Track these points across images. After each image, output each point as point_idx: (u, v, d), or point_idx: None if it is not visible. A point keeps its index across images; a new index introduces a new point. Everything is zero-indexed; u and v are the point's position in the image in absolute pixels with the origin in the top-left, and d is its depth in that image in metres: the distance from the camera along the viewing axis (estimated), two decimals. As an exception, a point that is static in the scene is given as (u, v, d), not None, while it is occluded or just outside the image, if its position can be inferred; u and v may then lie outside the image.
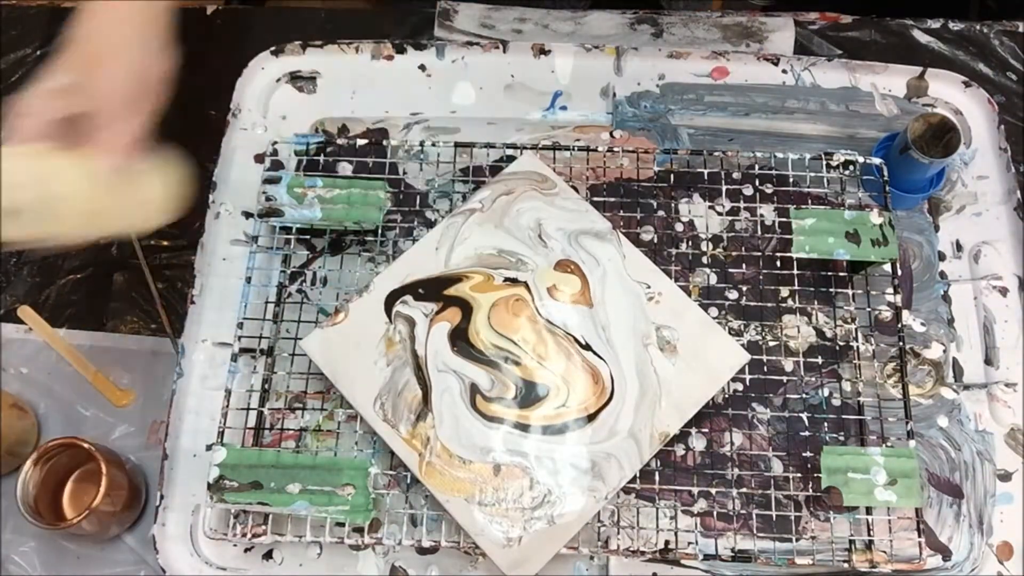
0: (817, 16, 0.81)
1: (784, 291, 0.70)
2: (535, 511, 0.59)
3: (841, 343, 0.68)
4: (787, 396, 0.67)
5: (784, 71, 0.78)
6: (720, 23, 0.81)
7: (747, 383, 0.66)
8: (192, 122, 0.78)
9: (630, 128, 0.76)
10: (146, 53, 0.60)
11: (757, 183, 0.72)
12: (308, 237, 0.72)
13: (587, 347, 0.63)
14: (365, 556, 0.64)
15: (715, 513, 0.64)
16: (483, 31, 0.81)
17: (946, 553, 0.64)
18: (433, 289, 0.64)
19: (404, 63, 0.78)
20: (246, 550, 0.64)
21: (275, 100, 0.78)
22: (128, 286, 0.73)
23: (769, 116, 0.77)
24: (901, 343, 0.65)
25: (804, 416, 0.65)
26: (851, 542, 0.63)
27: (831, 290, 0.69)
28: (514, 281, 0.65)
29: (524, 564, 0.58)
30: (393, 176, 0.71)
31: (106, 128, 0.55)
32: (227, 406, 0.63)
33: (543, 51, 0.78)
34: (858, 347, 0.67)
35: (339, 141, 0.74)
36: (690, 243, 0.71)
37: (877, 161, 0.69)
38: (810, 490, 0.63)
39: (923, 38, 0.80)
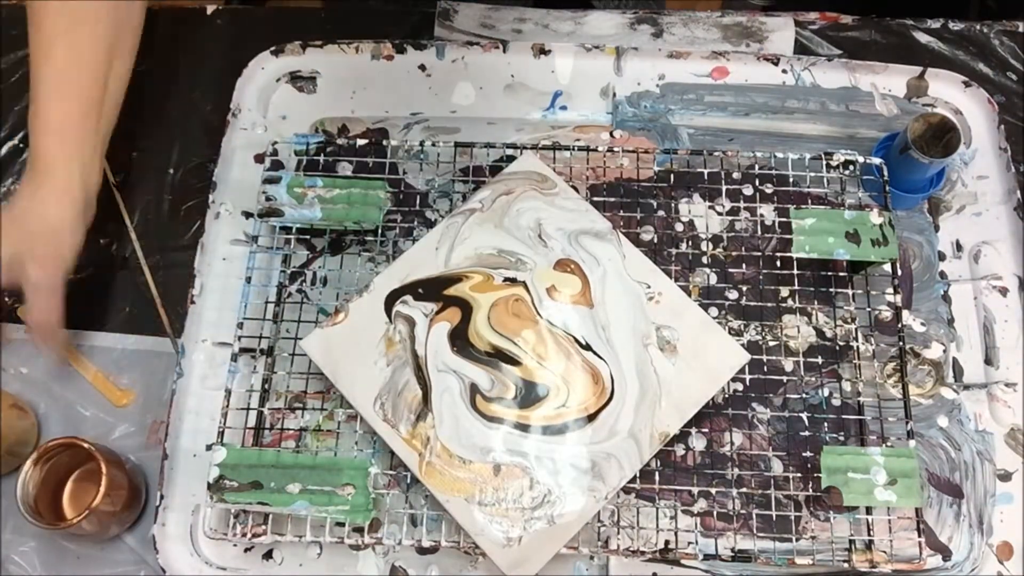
0: (817, 16, 0.81)
1: (784, 291, 0.70)
2: (535, 511, 0.59)
3: (841, 343, 0.68)
4: (787, 396, 0.67)
5: (784, 71, 0.78)
6: (720, 23, 0.81)
7: (747, 383, 0.66)
8: (192, 122, 0.78)
9: (630, 128, 0.76)
10: (91, 206, 0.66)
11: (757, 183, 0.72)
12: (308, 237, 0.72)
13: (587, 347, 0.63)
14: (365, 556, 0.64)
15: (715, 513, 0.64)
16: (483, 31, 0.81)
17: (946, 553, 0.64)
18: (433, 289, 0.64)
19: (404, 63, 0.78)
20: (246, 550, 0.64)
21: (275, 100, 0.78)
22: (128, 286, 0.73)
23: (769, 116, 0.77)
24: (901, 343, 0.65)
25: (804, 416, 0.65)
26: (851, 542, 0.63)
27: (831, 290, 0.69)
28: (513, 281, 0.65)
29: (524, 564, 0.58)
30: (393, 176, 0.71)
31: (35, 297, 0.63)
32: (227, 406, 0.63)
33: (543, 51, 0.78)
34: (858, 347, 0.67)
35: (339, 141, 0.74)
36: (690, 243, 0.71)
37: (877, 161, 0.69)
38: (810, 490, 0.63)
39: (923, 38, 0.80)
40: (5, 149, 0.78)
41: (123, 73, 0.67)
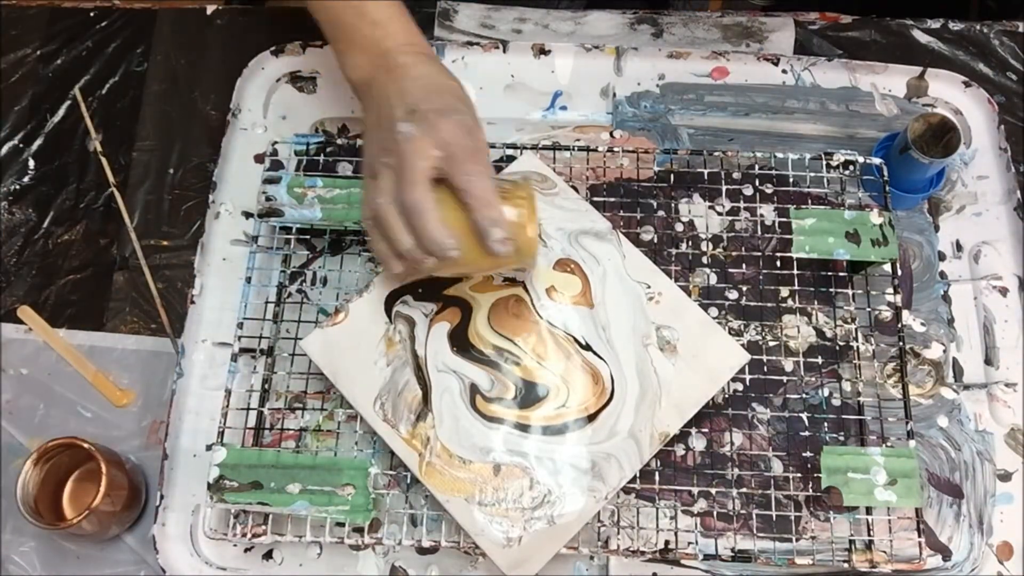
0: (817, 16, 0.81)
1: (784, 291, 0.70)
2: (535, 511, 0.59)
3: (841, 343, 0.68)
4: (787, 396, 0.67)
5: (784, 71, 0.78)
6: (720, 23, 0.81)
7: (747, 383, 0.66)
8: (192, 122, 0.78)
9: (630, 128, 0.76)
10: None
11: (757, 183, 0.72)
12: (308, 237, 0.72)
13: (587, 347, 0.63)
14: (365, 556, 0.64)
15: (715, 513, 0.64)
16: (483, 31, 0.81)
17: (946, 553, 0.64)
18: (433, 289, 0.64)
19: (404, 63, 0.78)
20: (246, 550, 0.64)
21: (275, 100, 0.78)
22: (128, 286, 0.73)
23: (769, 116, 0.77)
24: (901, 343, 0.65)
25: (804, 416, 0.65)
26: (851, 542, 0.63)
27: (831, 290, 0.69)
28: (513, 281, 0.65)
29: (524, 564, 0.58)
30: (393, 176, 0.71)
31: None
32: (227, 406, 0.63)
33: (543, 51, 0.78)
34: (858, 347, 0.67)
35: (339, 141, 0.74)
36: (690, 243, 0.71)
37: (877, 161, 0.69)
38: (810, 490, 0.63)
39: (923, 38, 0.80)
40: (5, 149, 0.78)
41: None
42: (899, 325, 0.66)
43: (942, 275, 0.71)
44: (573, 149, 0.71)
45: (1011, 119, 0.77)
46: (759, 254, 0.70)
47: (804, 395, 0.67)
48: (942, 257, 0.72)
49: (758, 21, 0.81)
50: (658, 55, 0.78)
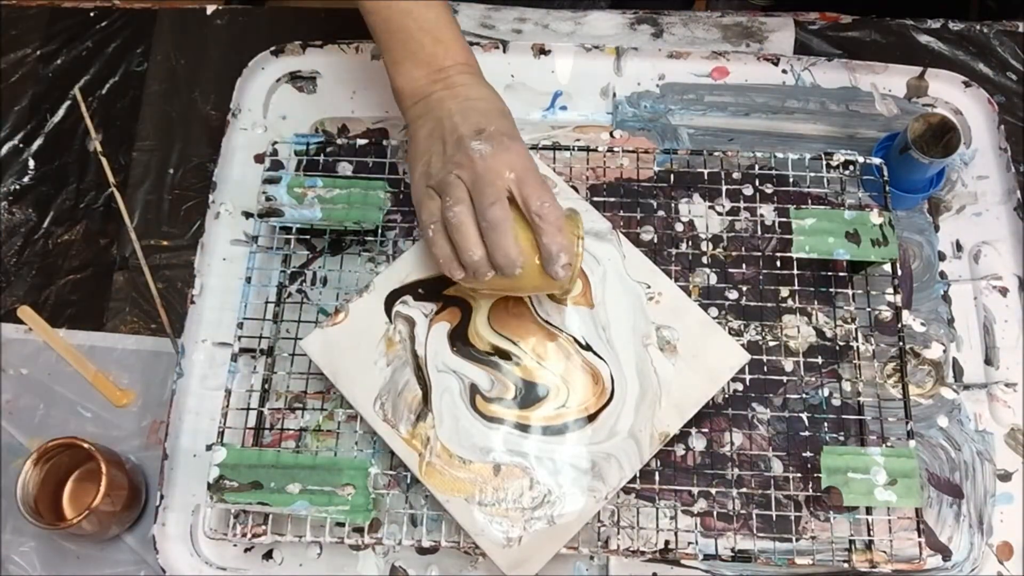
0: (817, 16, 0.81)
1: (784, 291, 0.70)
2: (535, 511, 0.59)
3: (841, 343, 0.68)
4: (787, 396, 0.67)
5: (784, 71, 0.78)
6: (720, 23, 0.81)
7: (747, 383, 0.66)
8: (192, 122, 0.79)
9: (630, 128, 0.76)
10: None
11: (757, 183, 0.72)
12: (308, 237, 0.72)
13: (587, 347, 0.63)
14: (365, 556, 0.64)
15: (715, 513, 0.64)
16: (483, 31, 0.81)
17: (946, 553, 0.64)
18: (433, 289, 0.64)
19: (404, 63, 0.78)
20: (246, 550, 0.64)
21: (275, 100, 0.78)
22: (128, 286, 0.73)
23: (769, 116, 0.77)
24: (901, 343, 0.65)
25: (804, 416, 0.65)
26: (851, 542, 0.63)
27: (831, 290, 0.69)
28: (514, 281, 0.65)
29: (524, 564, 0.58)
30: (393, 176, 0.71)
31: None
32: (227, 406, 0.63)
33: (543, 51, 0.78)
34: (858, 347, 0.67)
35: (339, 141, 0.74)
36: (690, 243, 0.71)
37: (877, 161, 0.69)
38: (810, 490, 0.63)
39: (923, 38, 0.80)
40: (5, 149, 0.78)
41: None
42: (899, 325, 0.66)
43: (942, 275, 0.71)
44: (573, 149, 0.71)
45: (1011, 119, 0.77)
46: (759, 254, 0.70)
47: (804, 395, 0.67)
48: (942, 257, 0.72)
49: (758, 21, 0.81)
50: (658, 55, 0.78)
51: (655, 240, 0.72)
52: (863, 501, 0.61)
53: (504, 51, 0.78)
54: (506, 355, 0.63)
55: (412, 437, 0.61)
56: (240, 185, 0.74)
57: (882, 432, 0.64)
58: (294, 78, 0.78)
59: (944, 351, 0.69)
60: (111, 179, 0.76)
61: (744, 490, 0.64)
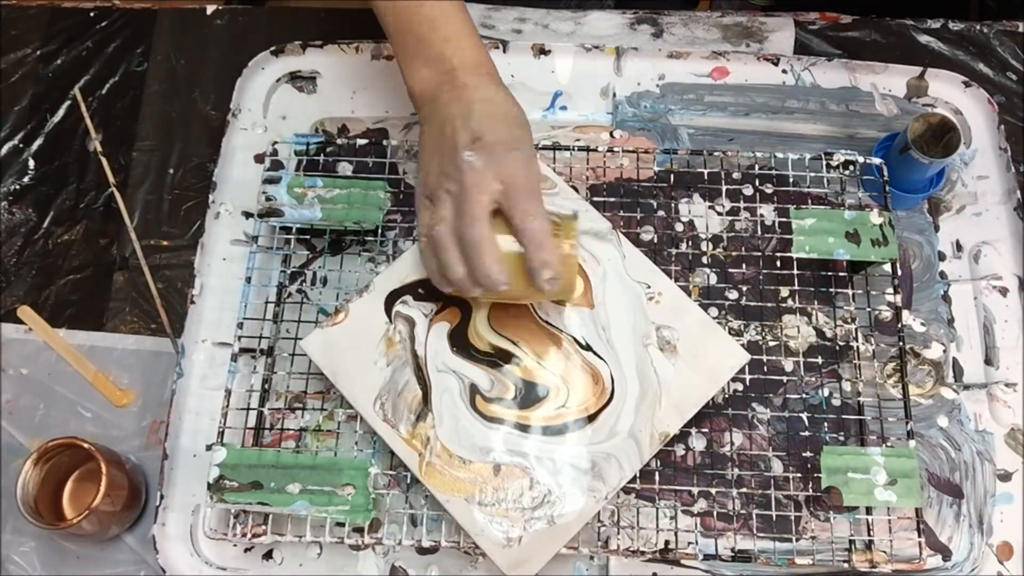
0: (817, 16, 0.81)
1: (784, 291, 0.70)
2: (535, 511, 0.59)
3: (841, 343, 0.68)
4: (787, 396, 0.67)
5: (784, 71, 0.78)
6: (720, 23, 0.81)
7: (747, 383, 0.66)
8: (192, 122, 0.79)
9: (630, 128, 0.76)
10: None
11: (757, 183, 0.72)
12: (308, 237, 0.72)
13: (587, 347, 0.63)
14: (365, 556, 0.64)
15: (715, 513, 0.64)
16: (483, 31, 0.81)
17: (946, 553, 0.64)
18: (433, 289, 0.64)
19: (404, 63, 0.78)
20: (246, 550, 0.64)
21: (275, 100, 0.78)
22: (128, 286, 0.73)
23: (769, 116, 0.77)
24: (901, 343, 0.65)
25: (804, 416, 0.65)
26: (851, 542, 0.63)
27: (831, 290, 0.69)
28: (514, 281, 0.65)
29: (524, 564, 0.58)
30: (393, 176, 0.71)
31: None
32: (227, 406, 0.63)
33: (543, 51, 0.78)
34: (858, 347, 0.67)
35: (339, 141, 0.74)
36: (690, 243, 0.71)
37: (877, 161, 0.69)
38: (810, 490, 0.63)
39: (923, 38, 0.80)
40: (5, 149, 0.78)
41: None
42: (899, 325, 0.66)
43: (942, 275, 0.71)
44: (573, 149, 0.71)
45: (1011, 119, 0.77)
46: (759, 254, 0.70)
47: (804, 395, 0.67)
48: (942, 257, 0.72)
49: (758, 21, 0.81)
50: (658, 55, 0.78)
51: (655, 240, 0.72)
52: (863, 501, 0.61)
53: (504, 51, 0.78)
54: (506, 355, 0.63)
55: (412, 437, 0.61)
56: (240, 185, 0.74)
57: (882, 432, 0.64)
58: (294, 78, 0.78)
59: (944, 351, 0.69)
60: (111, 179, 0.76)
61: (744, 490, 0.64)
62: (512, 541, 0.59)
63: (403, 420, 0.61)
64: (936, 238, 0.73)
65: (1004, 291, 0.71)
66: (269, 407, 0.66)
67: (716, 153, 0.71)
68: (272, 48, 0.78)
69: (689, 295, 0.66)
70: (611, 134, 0.76)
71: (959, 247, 0.72)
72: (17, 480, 0.60)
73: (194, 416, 0.67)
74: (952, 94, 0.77)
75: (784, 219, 0.69)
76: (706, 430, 0.66)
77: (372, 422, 0.62)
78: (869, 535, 0.63)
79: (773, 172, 0.72)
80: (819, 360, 0.66)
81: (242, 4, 1.06)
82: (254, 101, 0.77)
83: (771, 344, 0.68)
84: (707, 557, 0.62)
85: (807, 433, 0.65)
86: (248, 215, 0.73)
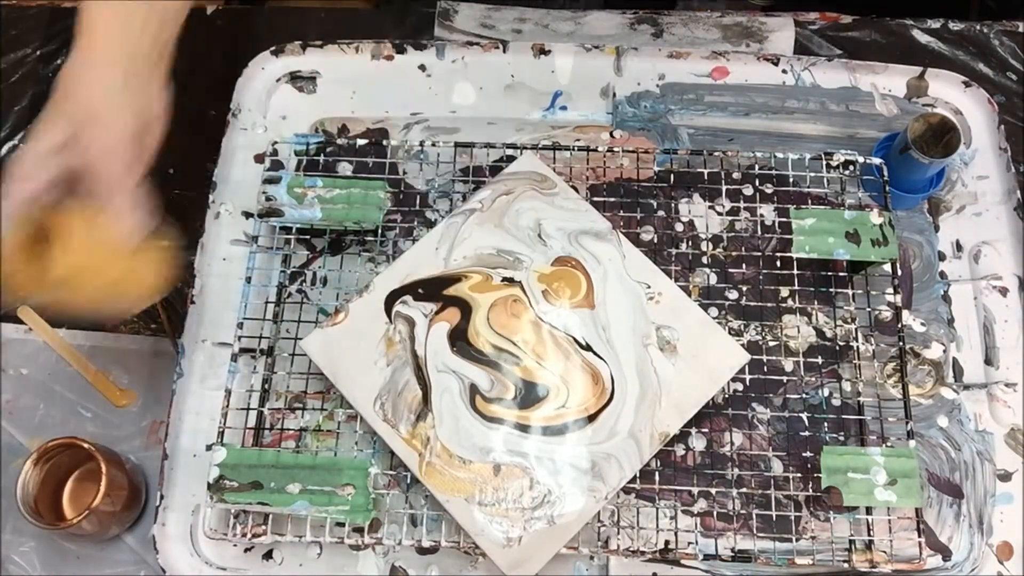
0: (817, 16, 0.81)
1: (784, 291, 0.70)
2: (535, 511, 0.59)
3: (841, 343, 0.68)
4: (787, 396, 0.67)
5: (784, 71, 0.78)
6: (720, 23, 0.81)
7: (747, 383, 0.66)
8: (192, 122, 0.78)
9: (630, 128, 0.76)
10: (141, 96, 0.57)
11: (757, 183, 0.72)
12: (308, 237, 0.72)
13: (587, 347, 0.63)
14: (365, 556, 0.64)
15: (715, 513, 0.64)
16: (483, 31, 0.81)
17: (946, 553, 0.64)
18: (433, 289, 0.64)
19: (404, 63, 0.78)
20: (246, 550, 0.64)
21: (275, 100, 0.78)
22: (128, 286, 0.73)
23: (769, 116, 0.77)
24: (901, 343, 0.65)
25: (804, 416, 0.65)
26: (851, 542, 0.63)
27: (831, 290, 0.69)
28: (511, 281, 0.65)
29: (524, 564, 0.58)
30: (393, 176, 0.71)
31: (105, 184, 0.53)
32: (227, 406, 0.63)
33: (543, 51, 0.78)
34: (858, 347, 0.67)
35: (339, 141, 0.74)
36: (690, 243, 0.71)
37: (877, 161, 0.69)
38: (810, 490, 0.63)
39: (923, 38, 0.80)
40: (5, 149, 0.78)
41: None
42: (899, 325, 0.66)
43: (942, 275, 0.71)
44: (573, 149, 0.71)
45: (1011, 119, 0.77)
46: (759, 254, 0.70)
47: (804, 395, 0.67)
48: (942, 257, 0.72)
49: (758, 21, 0.81)
50: (658, 55, 0.78)
51: (655, 240, 0.72)
52: (863, 501, 0.61)
53: (504, 51, 0.78)
54: (506, 355, 0.63)
55: (412, 437, 0.61)
56: (240, 185, 0.74)
57: (882, 432, 0.64)
58: (294, 78, 0.78)
59: (944, 351, 0.69)
60: (111, 179, 0.76)
61: (744, 490, 0.64)
62: (512, 541, 0.59)
63: (403, 420, 0.61)
64: (936, 238, 0.73)
65: (1004, 291, 0.71)
66: (269, 407, 0.66)
67: (716, 153, 0.71)
68: (272, 48, 0.78)
69: (689, 295, 0.66)
70: (611, 134, 0.76)
71: (959, 247, 0.72)
72: (17, 480, 0.60)
73: (194, 416, 0.67)
74: (952, 94, 0.77)
75: (784, 219, 0.69)
76: (706, 430, 0.66)
77: (372, 422, 0.62)
78: (869, 535, 0.63)
79: (773, 172, 0.72)
80: (819, 360, 0.66)
81: (242, 4, 1.06)
82: (254, 101, 0.77)
83: (771, 344, 0.68)
84: (707, 557, 0.62)
85: (807, 433, 0.65)
86: (248, 215, 0.73)
